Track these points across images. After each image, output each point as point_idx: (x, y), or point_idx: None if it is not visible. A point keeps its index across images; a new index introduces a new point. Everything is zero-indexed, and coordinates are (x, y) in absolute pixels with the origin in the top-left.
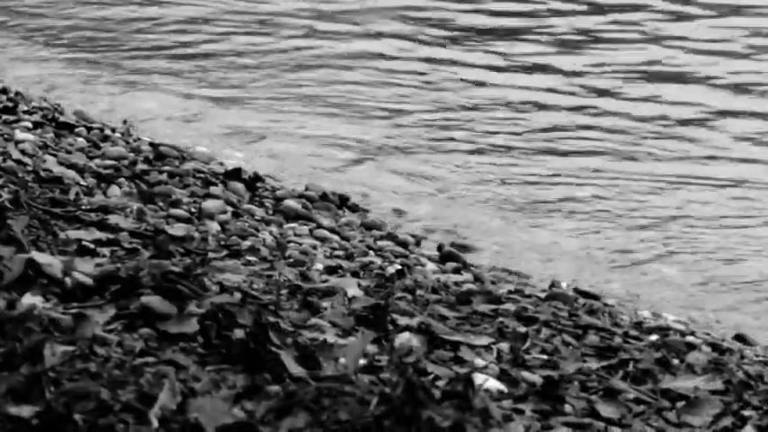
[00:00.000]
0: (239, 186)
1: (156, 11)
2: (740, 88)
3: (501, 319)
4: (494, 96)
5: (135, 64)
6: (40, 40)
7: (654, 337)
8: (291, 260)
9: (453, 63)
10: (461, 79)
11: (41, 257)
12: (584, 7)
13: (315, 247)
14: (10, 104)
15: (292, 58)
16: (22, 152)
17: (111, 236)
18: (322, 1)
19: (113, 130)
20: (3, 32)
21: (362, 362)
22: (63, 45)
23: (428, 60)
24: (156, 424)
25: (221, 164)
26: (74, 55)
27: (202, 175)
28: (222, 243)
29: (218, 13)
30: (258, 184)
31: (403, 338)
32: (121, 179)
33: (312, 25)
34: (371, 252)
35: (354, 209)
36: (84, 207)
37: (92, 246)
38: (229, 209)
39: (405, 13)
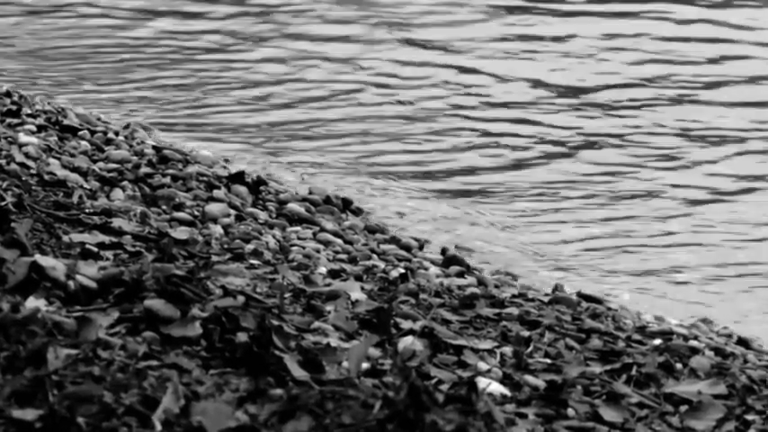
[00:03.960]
0: (242, 190)
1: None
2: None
3: (504, 322)
4: (491, 97)
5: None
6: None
7: (657, 342)
8: (295, 263)
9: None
10: (456, 84)
11: (45, 261)
12: None
13: (318, 251)
14: (14, 108)
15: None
16: (26, 155)
17: (114, 239)
18: None
19: (117, 134)
20: None
21: (366, 365)
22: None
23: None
24: (159, 427)
25: (224, 167)
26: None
27: (206, 179)
28: (225, 246)
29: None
30: (261, 188)
31: (406, 342)
32: (125, 182)
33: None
34: (375, 256)
35: (357, 212)
36: (87, 210)
37: (95, 249)
38: (232, 212)
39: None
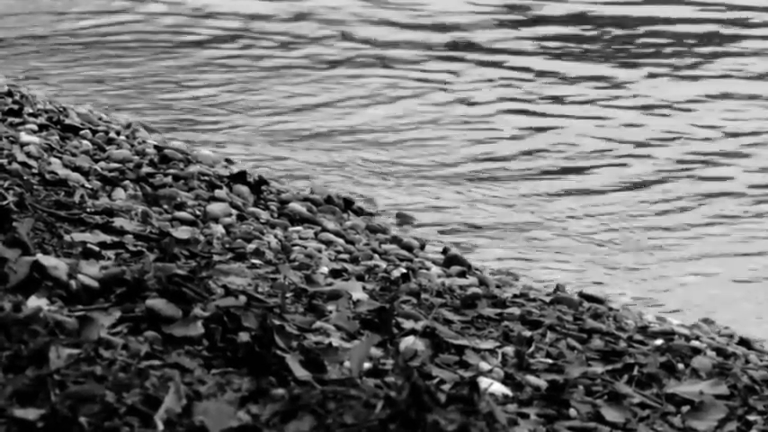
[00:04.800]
0: (244, 189)
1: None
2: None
3: (506, 322)
4: (496, 104)
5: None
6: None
7: (659, 342)
8: (296, 263)
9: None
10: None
11: (47, 260)
12: None
13: (320, 251)
14: (15, 107)
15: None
16: (28, 155)
17: (115, 238)
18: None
19: (118, 133)
20: None
21: (367, 365)
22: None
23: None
24: (161, 427)
25: (226, 167)
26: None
27: (207, 178)
28: (227, 246)
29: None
30: (263, 188)
31: (408, 342)
32: (126, 182)
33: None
34: (376, 255)
35: (359, 212)
36: (89, 210)
37: (97, 248)
38: (234, 212)
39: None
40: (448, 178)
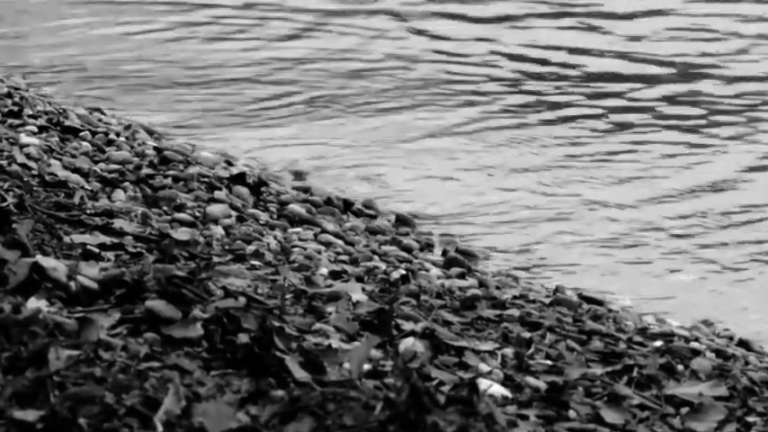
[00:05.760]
0: (244, 191)
1: None
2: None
3: (505, 324)
4: (504, 93)
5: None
6: None
7: (658, 343)
8: (296, 265)
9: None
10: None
11: (46, 261)
12: None
13: (319, 252)
14: (15, 108)
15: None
16: (27, 156)
17: (115, 240)
18: None
19: (118, 135)
20: None
21: (367, 367)
22: None
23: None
24: (160, 428)
25: (226, 168)
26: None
27: (207, 180)
28: (227, 247)
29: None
30: (262, 189)
31: (407, 343)
32: (126, 183)
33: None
34: (376, 257)
35: (359, 213)
36: (88, 211)
37: (96, 250)
38: (234, 213)
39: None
40: (447, 179)
